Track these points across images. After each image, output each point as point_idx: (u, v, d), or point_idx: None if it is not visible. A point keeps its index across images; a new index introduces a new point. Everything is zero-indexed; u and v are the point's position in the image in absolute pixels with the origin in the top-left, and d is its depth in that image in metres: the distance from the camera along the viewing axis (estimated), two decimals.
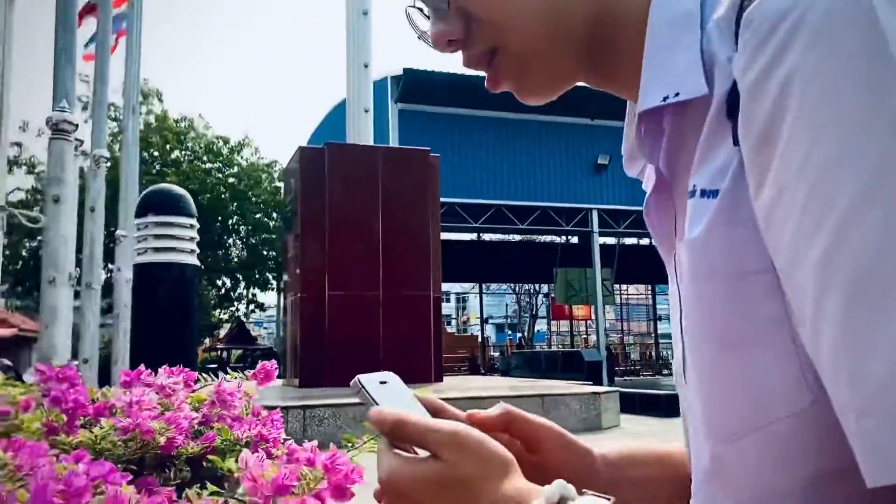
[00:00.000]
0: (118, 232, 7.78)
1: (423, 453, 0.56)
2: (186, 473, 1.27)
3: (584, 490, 0.51)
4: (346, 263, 8.66)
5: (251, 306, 21.51)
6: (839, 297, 0.39)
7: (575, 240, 28.84)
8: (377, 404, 0.60)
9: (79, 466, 0.95)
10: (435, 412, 0.64)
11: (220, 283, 20.14)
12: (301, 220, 9.21)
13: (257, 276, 19.45)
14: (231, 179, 18.39)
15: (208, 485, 1.12)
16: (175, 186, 4.24)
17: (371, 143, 10.46)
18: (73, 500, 0.77)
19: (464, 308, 51.24)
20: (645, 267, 33.15)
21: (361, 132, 10.12)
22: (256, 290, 20.85)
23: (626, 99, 0.66)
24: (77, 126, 3.91)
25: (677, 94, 0.53)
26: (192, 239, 3.70)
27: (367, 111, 10.15)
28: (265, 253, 19.18)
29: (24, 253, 15.83)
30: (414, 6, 0.66)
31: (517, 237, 33.17)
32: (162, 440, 1.23)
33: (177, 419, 1.24)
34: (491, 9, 0.61)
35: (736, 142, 0.49)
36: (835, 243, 0.39)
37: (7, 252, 18.56)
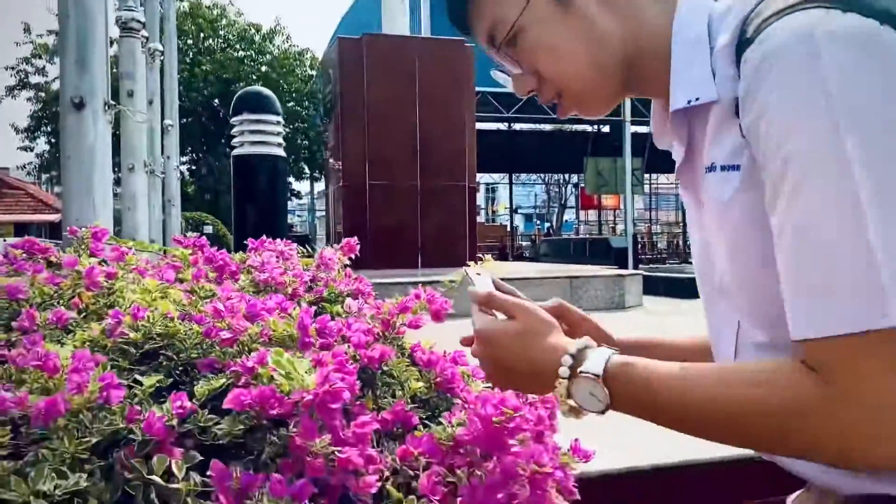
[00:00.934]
0: (165, 122, 8.07)
1: (501, 317, 0.83)
2: None
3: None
4: (385, 154, 8.99)
5: (287, 195, 21.96)
6: (789, 243, 0.63)
7: (606, 129, 28.51)
8: (475, 285, 0.89)
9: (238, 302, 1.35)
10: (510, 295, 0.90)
11: None
12: (340, 111, 9.46)
13: (291, 164, 19.77)
14: (264, 68, 18.41)
15: None
16: (264, 89, 4.68)
17: (407, 32, 10.51)
18: (273, 313, 1.17)
19: (493, 199, 51.38)
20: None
21: (397, 22, 10.15)
22: (291, 179, 21.31)
23: (653, 98, 0.88)
24: (144, 24, 4.21)
25: (697, 99, 0.74)
26: (278, 134, 4.21)
27: (402, 0, 10.14)
28: (299, 142, 19.39)
29: None
30: (498, 69, 0.90)
31: (548, 127, 32.85)
32: (289, 290, 1.62)
33: (300, 274, 1.64)
34: (553, 69, 0.83)
35: (742, 134, 0.68)
36: (786, 208, 0.63)
37: (54, 140, 19.08)
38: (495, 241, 29.12)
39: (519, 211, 44.96)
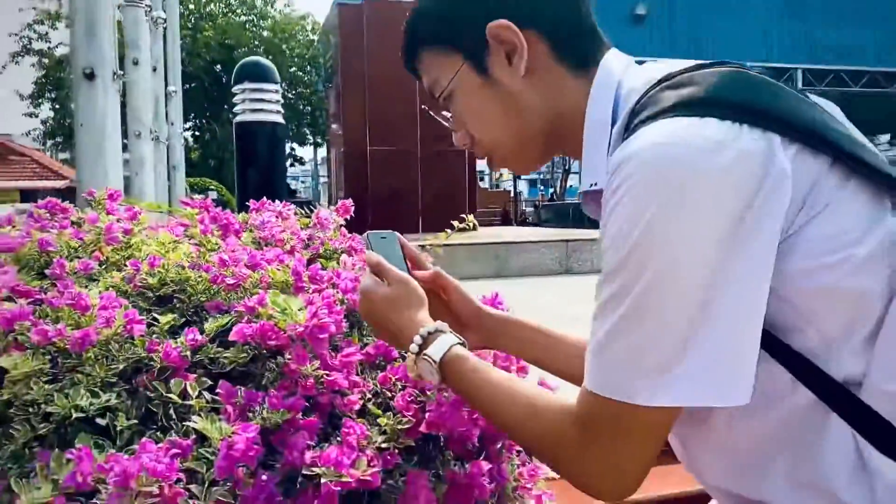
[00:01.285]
0: (169, 88, 8.13)
1: (385, 282, 0.94)
2: None
3: (453, 331, 0.88)
4: (386, 120, 9.07)
5: (290, 160, 22.05)
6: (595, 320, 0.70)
7: None
8: (372, 250, 0.98)
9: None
10: (414, 259, 1.02)
11: None
12: (341, 77, 9.52)
13: (294, 130, 19.82)
14: (265, 33, 18.40)
15: None
16: (263, 59, 4.86)
17: None
18: (272, 263, 1.32)
19: None
20: None
21: None
22: (295, 145, 21.37)
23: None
24: None
25: (596, 184, 0.80)
26: (277, 101, 4.41)
27: None
28: (301, 108, 19.43)
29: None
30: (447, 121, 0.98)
31: None
32: (287, 247, 1.77)
33: (297, 232, 1.79)
34: (478, 133, 0.92)
35: None
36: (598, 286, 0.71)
37: (59, 107, 19.15)
38: (498, 207, 29.05)
39: (523, 177, 44.79)
